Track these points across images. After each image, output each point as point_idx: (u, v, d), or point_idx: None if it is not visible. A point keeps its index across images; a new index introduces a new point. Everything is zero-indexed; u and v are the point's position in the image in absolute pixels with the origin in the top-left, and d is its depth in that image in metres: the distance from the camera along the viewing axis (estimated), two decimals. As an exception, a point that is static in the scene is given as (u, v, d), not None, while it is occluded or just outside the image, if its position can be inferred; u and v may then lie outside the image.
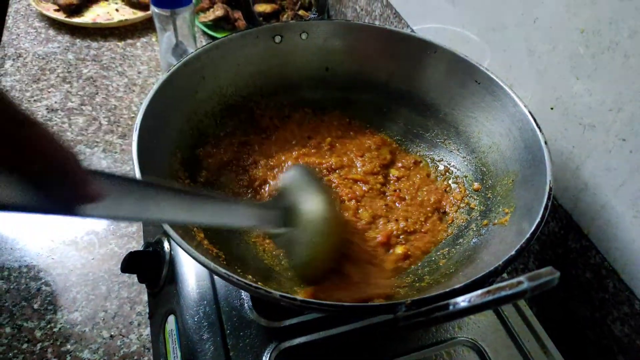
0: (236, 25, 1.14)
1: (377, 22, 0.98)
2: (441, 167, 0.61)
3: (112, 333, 0.63)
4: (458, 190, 0.58)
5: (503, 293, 0.28)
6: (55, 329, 0.63)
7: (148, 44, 1.10)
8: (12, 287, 0.67)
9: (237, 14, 1.16)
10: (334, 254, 0.45)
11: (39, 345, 0.61)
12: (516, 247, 0.39)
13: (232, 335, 0.49)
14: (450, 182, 0.59)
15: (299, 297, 0.35)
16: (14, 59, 1.01)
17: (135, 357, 0.61)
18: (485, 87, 0.56)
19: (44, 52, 1.04)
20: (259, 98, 0.62)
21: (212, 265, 0.36)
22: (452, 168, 0.60)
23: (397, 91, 0.64)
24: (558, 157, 0.58)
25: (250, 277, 0.44)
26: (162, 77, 0.51)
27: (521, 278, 0.28)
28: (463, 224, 0.54)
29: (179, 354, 0.50)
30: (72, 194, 0.24)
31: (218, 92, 0.58)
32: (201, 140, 0.57)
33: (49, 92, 0.95)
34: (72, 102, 0.94)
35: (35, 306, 0.65)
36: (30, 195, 0.22)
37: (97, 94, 0.96)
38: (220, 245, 0.48)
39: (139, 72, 1.03)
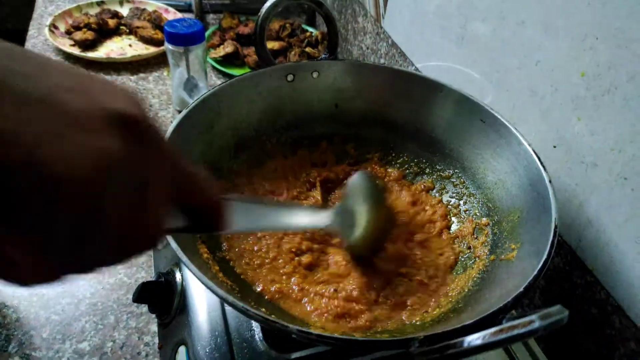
0: (246, 62, 1.17)
1: (382, 61, 1.02)
2: (448, 201, 0.63)
3: (120, 364, 0.64)
4: (466, 225, 0.59)
5: (516, 332, 0.29)
6: (63, 359, 0.63)
7: (160, 78, 1.14)
8: (21, 315, 0.67)
9: (247, 51, 1.20)
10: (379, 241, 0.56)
11: (47, 376, 0.61)
12: (524, 284, 0.40)
13: (244, 367, 0.50)
14: (456, 217, 0.61)
15: (314, 331, 0.36)
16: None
17: (144, 389, 0.61)
18: (491, 126, 0.58)
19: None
20: (271, 132, 0.64)
21: (230, 298, 0.37)
22: (459, 203, 0.62)
23: (404, 128, 0.66)
24: (562, 194, 0.59)
25: (263, 310, 0.45)
26: (181, 113, 0.53)
27: (533, 317, 0.29)
28: (471, 259, 0.55)
29: (190, 384, 0.50)
30: (215, 222, 0.31)
31: (232, 126, 0.60)
32: (215, 174, 0.58)
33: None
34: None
35: (44, 335, 0.65)
36: (187, 222, 0.29)
37: (109, 125, 0.99)
38: (234, 278, 0.49)
39: (151, 106, 1.05)
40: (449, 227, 0.60)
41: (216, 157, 0.59)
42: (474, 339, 0.30)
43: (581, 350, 0.59)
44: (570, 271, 0.59)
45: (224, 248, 0.53)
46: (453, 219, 0.61)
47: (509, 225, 0.53)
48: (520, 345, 0.54)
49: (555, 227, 0.45)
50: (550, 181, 0.50)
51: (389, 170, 0.66)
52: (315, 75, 0.64)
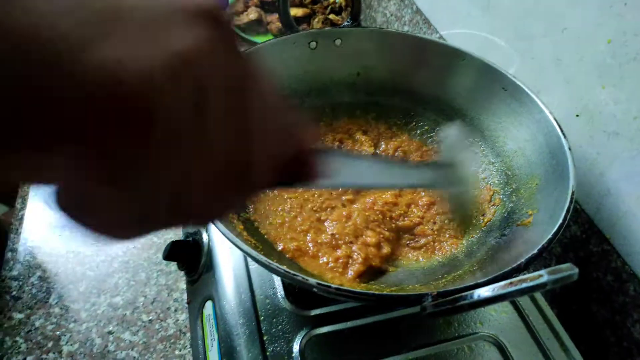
0: (269, 29, 1.18)
1: (406, 28, 1.01)
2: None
3: (151, 317, 0.68)
4: (483, 192, 0.60)
5: (524, 285, 0.30)
6: (99, 311, 0.68)
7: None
8: (60, 270, 0.72)
9: (270, 18, 1.20)
10: None
11: (84, 325, 0.66)
12: (538, 246, 0.41)
13: (265, 321, 0.53)
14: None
15: (333, 284, 0.38)
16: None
17: (172, 340, 0.65)
18: (512, 94, 0.58)
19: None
20: (293, 100, 0.66)
21: (253, 253, 0.40)
22: (478, 171, 0.62)
23: (425, 96, 0.66)
24: (582, 163, 0.60)
25: (285, 266, 0.48)
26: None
27: (542, 272, 0.30)
28: (488, 223, 0.57)
29: (216, 336, 0.54)
30: (313, 175, 0.27)
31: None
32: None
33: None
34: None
35: (81, 289, 0.70)
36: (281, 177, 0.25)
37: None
38: (258, 238, 0.51)
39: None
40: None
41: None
42: (484, 291, 0.32)
43: (595, 316, 0.60)
44: (587, 239, 0.60)
45: (249, 210, 0.56)
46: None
47: (527, 192, 0.54)
48: (533, 308, 0.56)
49: (572, 193, 0.46)
50: (569, 148, 0.50)
51: (410, 139, 0.67)
52: (338, 42, 0.65)
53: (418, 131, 0.68)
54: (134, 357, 0.64)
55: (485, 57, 0.60)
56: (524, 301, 0.56)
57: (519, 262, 0.40)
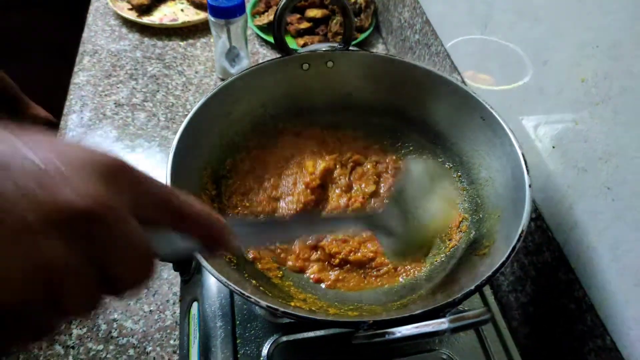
0: (288, 29, 1.21)
1: (417, 36, 1.02)
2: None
3: (152, 308, 0.75)
4: (457, 217, 0.63)
5: (426, 329, 0.34)
6: (106, 300, 0.75)
7: (207, 45, 1.21)
8: (75, 260, 0.80)
9: (291, 18, 1.23)
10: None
11: (92, 312, 0.74)
12: (476, 283, 0.45)
13: (240, 326, 0.59)
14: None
15: (281, 308, 0.43)
16: (90, 55, 1.15)
17: (169, 331, 0.73)
18: (489, 124, 0.60)
19: (116, 49, 1.17)
20: (285, 118, 0.70)
21: (221, 277, 0.45)
22: (453, 195, 0.65)
23: (411, 118, 0.69)
24: (556, 193, 0.61)
25: (254, 282, 0.53)
26: (199, 101, 0.60)
27: (444, 320, 0.34)
28: (452, 249, 0.60)
29: (197, 335, 0.60)
30: (225, 247, 0.33)
31: (249, 112, 0.67)
32: (229, 154, 0.65)
33: (118, 87, 1.08)
34: (136, 98, 1.06)
35: (92, 278, 0.78)
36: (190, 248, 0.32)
37: (158, 91, 1.08)
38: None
39: (196, 72, 1.13)
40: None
41: (232, 140, 0.66)
42: (397, 331, 0.36)
43: (560, 341, 0.63)
44: (557, 267, 0.62)
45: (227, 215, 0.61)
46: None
47: (490, 223, 0.57)
48: (493, 331, 0.59)
49: (522, 232, 0.49)
50: (530, 185, 0.53)
51: (394, 157, 0.70)
52: (330, 64, 0.68)
53: (404, 151, 0.71)
54: (134, 344, 0.71)
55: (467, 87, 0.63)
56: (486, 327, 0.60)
57: (453, 298, 0.44)
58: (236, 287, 0.44)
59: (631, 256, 0.51)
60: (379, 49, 1.24)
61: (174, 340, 0.72)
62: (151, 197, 0.28)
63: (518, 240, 0.48)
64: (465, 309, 0.42)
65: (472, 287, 0.45)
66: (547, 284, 0.65)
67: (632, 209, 0.50)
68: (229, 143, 0.65)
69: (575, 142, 0.58)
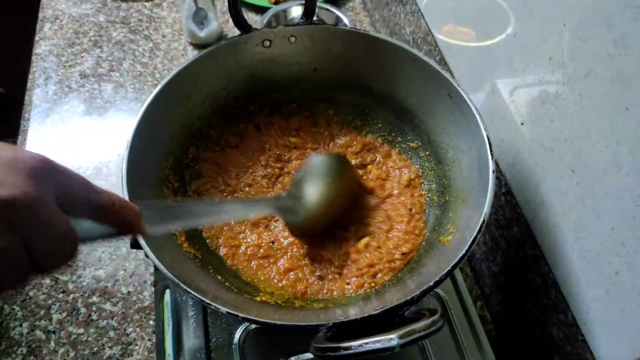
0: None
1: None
2: (413, 172, 0.66)
3: (130, 289, 0.76)
4: (423, 197, 0.63)
5: (376, 346, 0.35)
6: (84, 283, 0.76)
7: (173, 5, 1.14)
8: (50, 244, 0.80)
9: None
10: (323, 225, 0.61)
11: (71, 296, 0.75)
12: (434, 279, 0.45)
13: (212, 314, 0.60)
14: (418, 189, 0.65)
15: (241, 314, 0.44)
16: (51, 22, 1.09)
17: (147, 312, 0.74)
18: (456, 103, 0.59)
19: (78, 14, 1.11)
20: (249, 99, 0.68)
21: (164, 270, 0.45)
22: (420, 174, 0.65)
23: (379, 94, 0.67)
24: (524, 170, 0.61)
25: (219, 277, 0.53)
26: (156, 88, 0.58)
27: (393, 335, 0.35)
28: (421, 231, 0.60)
29: (171, 322, 0.61)
30: (132, 232, 0.39)
31: (210, 95, 0.64)
32: (193, 142, 0.64)
33: (82, 57, 1.03)
34: (102, 67, 1.02)
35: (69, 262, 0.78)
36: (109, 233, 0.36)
37: (124, 59, 1.04)
38: (200, 246, 0.56)
39: (164, 36, 1.08)
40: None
41: (194, 126, 0.64)
42: (352, 345, 0.36)
43: (527, 313, 0.65)
44: (525, 241, 0.63)
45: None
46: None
47: (454, 206, 0.57)
48: (459, 308, 0.60)
49: (483, 222, 0.48)
50: (493, 171, 0.52)
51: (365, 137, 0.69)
52: (292, 40, 0.65)
53: (371, 128, 0.69)
54: (114, 326, 0.73)
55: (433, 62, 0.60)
56: (452, 301, 0.61)
57: (412, 295, 0.44)
58: (196, 294, 0.44)
59: (592, 240, 0.51)
60: (356, 2, 1.18)
61: (153, 321, 0.73)
62: (71, 190, 0.33)
63: (478, 231, 0.48)
64: (424, 307, 0.42)
65: (431, 283, 0.45)
66: (516, 257, 0.66)
67: (593, 194, 0.50)
68: (191, 130, 0.63)
69: (542, 121, 0.56)
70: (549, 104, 0.54)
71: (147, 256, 0.46)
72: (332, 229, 0.60)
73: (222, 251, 0.58)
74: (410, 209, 0.62)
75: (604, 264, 0.50)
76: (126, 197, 0.51)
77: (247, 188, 0.64)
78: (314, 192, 0.58)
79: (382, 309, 0.44)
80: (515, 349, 0.68)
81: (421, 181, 0.65)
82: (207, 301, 0.44)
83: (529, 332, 0.65)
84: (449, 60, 0.77)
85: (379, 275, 0.57)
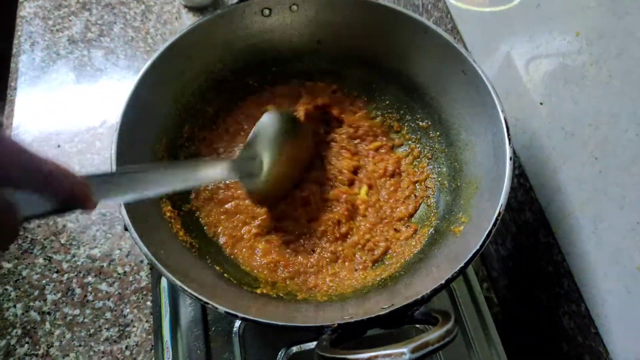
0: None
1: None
2: (417, 152, 0.62)
3: (126, 269, 0.74)
4: (432, 181, 0.59)
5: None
6: (78, 262, 0.74)
7: (166, -37, 1.07)
8: (42, 222, 0.77)
9: None
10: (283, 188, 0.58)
11: (65, 276, 0.73)
12: (446, 277, 0.42)
13: (211, 302, 0.57)
14: (425, 170, 0.61)
15: (240, 314, 0.41)
16: (36, -19, 1.02)
17: (144, 292, 0.72)
18: (471, 80, 0.54)
19: (64, -28, 1.04)
20: (247, 72, 0.63)
21: (165, 273, 0.42)
22: (430, 156, 0.61)
23: (387, 68, 0.62)
24: (540, 153, 0.57)
25: (218, 267, 0.51)
26: (147, 62, 0.53)
27: (405, 350, 0.32)
28: (424, 214, 0.57)
29: (168, 309, 0.59)
30: (79, 205, 0.34)
31: (205, 69, 0.60)
32: (187, 120, 0.59)
33: (70, 20, 0.97)
34: (91, 32, 0.96)
35: (62, 241, 0.75)
36: (54, 207, 0.32)
37: (115, 23, 0.98)
38: (197, 233, 0.53)
39: (156, -2, 1.02)
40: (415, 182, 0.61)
41: (189, 103, 0.59)
42: (356, 358, 0.34)
43: (536, 300, 0.63)
44: (538, 228, 0.60)
45: (192, 197, 0.57)
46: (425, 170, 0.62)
47: (466, 193, 0.53)
48: (468, 298, 0.58)
49: (499, 215, 0.45)
50: (510, 158, 0.48)
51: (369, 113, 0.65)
52: (294, 8, 0.60)
53: (379, 104, 0.65)
54: (110, 307, 0.71)
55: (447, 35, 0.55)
56: (461, 289, 0.59)
57: (422, 294, 0.42)
58: (193, 293, 0.41)
59: (612, 233, 0.48)
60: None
61: (151, 302, 0.71)
62: (11, 160, 0.29)
63: (494, 225, 0.45)
64: (434, 308, 0.40)
65: (443, 282, 0.43)
66: (527, 242, 0.63)
67: (618, 184, 0.46)
68: (185, 107, 0.59)
69: (564, 102, 0.52)
70: (573, 84, 0.50)
71: (143, 254, 0.43)
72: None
73: (222, 239, 0.55)
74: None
75: (624, 258, 0.47)
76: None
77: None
78: (268, 151, 0.54)
79: (390, 309, 0.41)
80: (522, 332, 0.67)
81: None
82: (205, 300, 0.41)
83: (537, 318, 0.63)
84: (462, 29, 0.72)
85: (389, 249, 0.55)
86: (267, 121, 0.56)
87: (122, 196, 0.40)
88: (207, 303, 0.41)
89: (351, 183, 0.61)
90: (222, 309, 0.41)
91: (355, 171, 0.62)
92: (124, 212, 0.45)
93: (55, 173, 0.31)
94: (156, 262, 0.43)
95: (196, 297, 0.42)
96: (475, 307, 0.59)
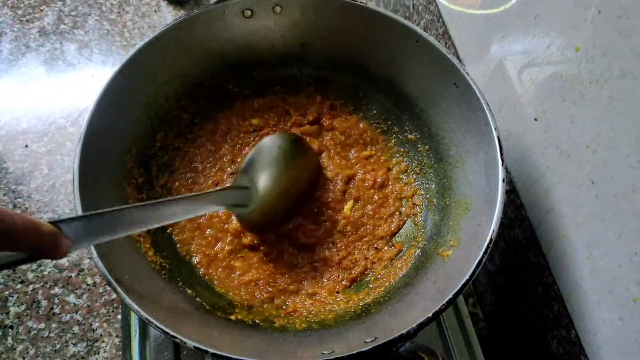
0: None
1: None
2: (404, 166, 0.59)
3: (96, 280, 0.70)
4: (419, 197, 0.57)
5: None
6: (45, 272, 0.70)
7: (146, -48, 1.02)
8: (7, 228, 0.72)
9: None
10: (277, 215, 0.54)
11: (31, 287, 0.68)
12: (433, 310, 0.40)
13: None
14: (413, 186, 0.58)
15: (211, 349, 0.38)
16: (5, -33, 0.96)
17: (115, 305, 0.68)
18: (463, 94, 0.51)
19: (36, -42, 0.98)
20: (227, 77, 0.59)
21: (133, 305, 0.39)
22: (418, 170, 0.58)
23: (375, 76, 0.59)
24: (533, 170, 0.55)
25: (189, 290, 0.47)
26: (115, 68, 0.49)
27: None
28: (411, 233, 0.54)
29: (138, 330, 0.55)
30: (52, 255, 0.33)
31: (181, 73, 0.56)
32: (160, 127, 0.55)
33: (42, 10, 0.92)
34: (64, 24, 0.91)
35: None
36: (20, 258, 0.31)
37: (89, 14, 0.92)
38: (168, 253, 0.50)
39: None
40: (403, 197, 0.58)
41: (162, 109, 0.55)
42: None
43: (523, 318, 0.60)
44: (528, 247, 0.58)
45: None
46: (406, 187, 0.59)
47: (455, 214, 0.51)
48: (454, 321, 0.56)
49: (490, 242, 0.42)
50: (503, 180, 0.46)
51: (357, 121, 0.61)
52: (277, 10, 0.56)
53: (366, 114, 0.62)
54: (78, 321, 0.67)
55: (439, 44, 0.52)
56: (449, 318, 0.56)
57: (408, 329, 0.39)
58: (160, 326, 0.38)
59: (608, 261, 0.46)
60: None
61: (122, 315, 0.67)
62: None
63: (485, 252, 0.42)
64: (419, 344, 0.37)
65: (430, 315, 0.40)
66: (515, 260, 0.61)
67: (616, 211, 0.44)
68: (158, 113, 0.55)
69: (560, 120, 0.49)
70: (571, 102, 0.47)
71: (105, 280, 0.40)
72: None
73: (195, 259, 0.51)
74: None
75: (620, 288, 0.45)
76: (78, 200, 0.43)
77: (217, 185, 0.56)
78: (265, 179, 0.51)
79: (373, 345, 0.38)
80: (509, 348, 0.65)
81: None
82: (172, 334, 0.38)
83: (525, 337, 0.61)
84: (453, 34, 0.69)
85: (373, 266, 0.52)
86: (269, 144, 0.52)
87: (96, 239, 0.37)
88: (175, 337, 0.38)
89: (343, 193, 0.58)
90: (191, 343, 0.38)
91: (348, 181, 0.59)
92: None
93: (21, 229, 0.30)
94: (119, 289, 0.39)
95: (163, 330, 0.38)
96: (462, 333, 0.56)
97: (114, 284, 0.39)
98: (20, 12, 0.91)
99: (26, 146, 0.78)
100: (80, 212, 0.42)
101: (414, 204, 0.57)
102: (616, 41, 0.41)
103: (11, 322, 0.66)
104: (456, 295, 0.40)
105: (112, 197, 0.48)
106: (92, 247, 0.41)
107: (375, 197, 0.58)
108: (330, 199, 0.57)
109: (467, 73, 0.50)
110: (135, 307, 0.39)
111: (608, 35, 0.42)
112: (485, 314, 0.70)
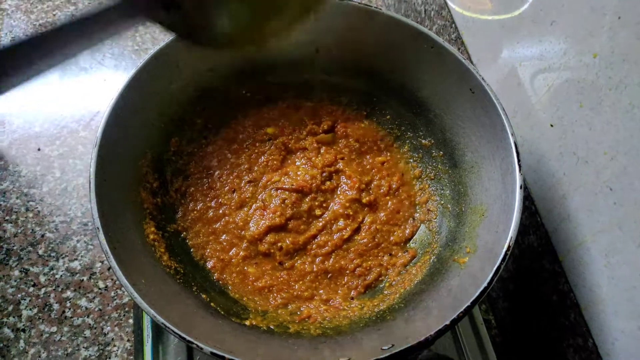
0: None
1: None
2: (418, 172, 0.59)
3: (107, 284, 0.70)
4: (434, 203, 0.56)
5: None
6: (57, 276, 0.70)
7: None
8: (19, 231, 0.73)
9: None
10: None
11: (43, 290, 0.69)
12: (451, 317, 0.39)
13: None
14: (427, 191, 0.58)
15: (227, 355, 0.37)
16: (19, -28, 0.97)
17: (126, 309, 0.68)
18: (479, 99, 0.51)
19: (49, -36, 0.99)
20: (241, 81, 0.59)
21: (149, 310, 0.38)
22: (433, 176, 0.58)
23: (389, 81, 0.59)
24: (549, 177, 0.54)
25: (204, 295, 0.47)
26: (129, 75, 0.49)
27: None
28: (425, 240, 0.54)
29: (151, 334, 0.55)
30: None
31: (195, 79, 0.56)
32: (174, 132, 0.56)
33: (54, 15, 0.93)
34: (77, 29, 0.91)
35: (40, 252, 0.71)
36: None
37: (102, 19, 0.93)
38: (182, 257, 0.50)
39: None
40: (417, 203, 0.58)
41: (176, 114, 0.55)
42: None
43: (536, 326, 0.60)
44: (543, 254, 0.57)
45: (177, 217, 0.53)
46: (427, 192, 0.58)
47: (471, 220, 0.50)
48: (471, 334, 0.55)
49: (508, 250, 0.42)
50: (521, 187, 0.45)
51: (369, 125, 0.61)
52: (292, 15, 0.56)
53: (379, 119, 0.62)
54: (90, 324, 0.67)
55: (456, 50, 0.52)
56: (464, 324, 0.56)
57: (426, 336, 0.39)
58: (176, 331, 0.38)
59: (626, 269, 0.45)
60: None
61: (133, 319, 0.67)
62: None
63: (502, 260, 0.41)
64: (438, 353, 0.37)
65: (447, 322, 0.39)
66: (530, 267, 0.60)
67: (636, 219, 0.43)
68: (172, 119, 0.55)
69: (577, 126, 0.49)
70: (588, 108, 0.47)
71: (122, 283, 0.40)
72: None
73: (210, 263, 0.51)
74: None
75: (639, 297, 0.44)
76: (94, 204, 0.43)
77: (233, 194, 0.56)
78: None
79: (390, 353, 0.38)
80: (523, 355, 0.64)
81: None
82: (189, 339, 0.38)
83: (539, 345, 0.61)
84: (466, 40, 0.68)
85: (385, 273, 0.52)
86: None
87: None
88: (192, 343, 0.38)
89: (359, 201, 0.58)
90: (207, 349, 0.38)
91: (364, 188, 0.58)
92: (102, 237, 0.41)
93: None
94: (135, 294, 0.39)
95: (180, 335, 0.38)
96: (476, 340, 0.56)
97: (131, 288, 0.39)
98: (33, 16, 0.92)
99: (39, 149, 0.79)
100: (97, 218, 0.42)
101: (428, 209, 0.56)
102: (636, 47, 0.40)
103: (23, 325, 0.66)
104: (474, 303, 0.40)
105: (127, 201, 0.48)
106: (109, 251, 0.41)
107: (390, 204, 0.57)
108: (346, 206, 0.57)
109: (483, 79, 0.50)
110: (152, 312, 0.39)
111: (628, 41, 0.41)
112: (497, 321, 0.70)
